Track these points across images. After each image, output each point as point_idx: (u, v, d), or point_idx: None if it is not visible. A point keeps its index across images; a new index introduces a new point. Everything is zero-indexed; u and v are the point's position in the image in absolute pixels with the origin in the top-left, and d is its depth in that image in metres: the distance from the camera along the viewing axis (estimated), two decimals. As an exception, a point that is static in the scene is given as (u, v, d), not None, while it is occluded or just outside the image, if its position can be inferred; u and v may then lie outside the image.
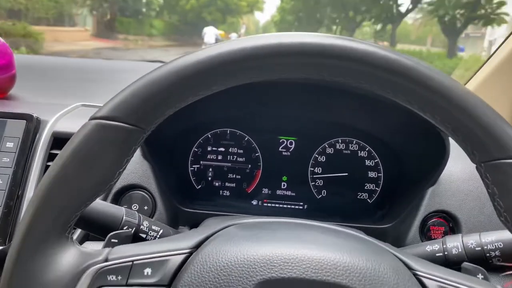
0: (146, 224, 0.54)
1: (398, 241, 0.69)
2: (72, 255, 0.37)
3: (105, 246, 0.47)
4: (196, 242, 0.40)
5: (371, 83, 0.37)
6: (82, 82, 1.09)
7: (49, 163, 0.67)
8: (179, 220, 0.72)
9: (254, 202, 0.82)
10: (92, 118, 0.37)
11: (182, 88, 0.36)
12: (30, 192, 0.65)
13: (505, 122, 0.35)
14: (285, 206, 0.82)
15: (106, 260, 0.37)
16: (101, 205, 0.53)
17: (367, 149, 0.82)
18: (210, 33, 14.36)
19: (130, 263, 0.37)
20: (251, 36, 0.38)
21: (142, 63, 1.33)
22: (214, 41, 13.83)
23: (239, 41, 0.37)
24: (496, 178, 0.35)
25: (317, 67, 0.37)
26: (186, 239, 0.41)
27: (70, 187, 0.35)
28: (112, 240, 0.48)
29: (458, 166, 0.72)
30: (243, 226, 0.45)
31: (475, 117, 0.35)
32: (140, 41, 24.70)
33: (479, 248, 0.53)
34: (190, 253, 0.39)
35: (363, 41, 0.37)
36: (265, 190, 0.82)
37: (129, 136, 0.36)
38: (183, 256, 0.38)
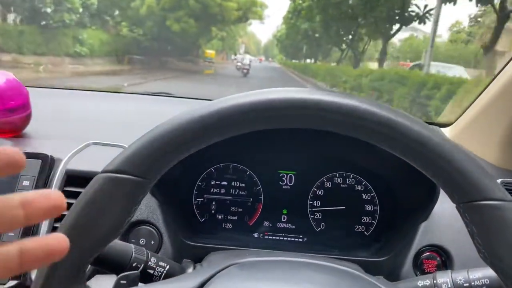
0: (154, 260, 0.58)
1: (393, 273, 0.72)
2: None
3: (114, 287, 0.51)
4: (200, 282, 0.44)
5: (357, 133, 0.41)
6: (90, 117, 1.14)
7: None
8: (183, 253, 0.75)
9: (256, 235, 0.85)
10: (103, 172, 0.41)
11: (185, 141, 0.41)
12: (44, 228, 0.69)
13: (480, 167, 0.39)
14: (285, 238, 0.85)
15: None
16: (111, 243, 0.57)
17: (363, 183, 0.86)
18: (246, 59, 19.57)
19: None
20: (249, 92, 0.43)
21: (148, 96, 1.38)
22: (248, 62, 19.35)
23: (237, 97, 0.42)
24: (473, 217, 0.39)
25: (306, 120, 0.42)
26: (190, 279, 0.44)
27: (84, 237, 0.39)
28: (121, 282, 0.51)
29: (449, 203, 0.75)
30: (243, 266, 0.49)
31: (452, 163, 0.39)
32: (50, 65, 13.21)
33: (467, 284, 0.56)
34: None
35: (347, 95, 0.42)
36: (266, 223, 0.86)
37: (137, 187, 0.40)
38: None
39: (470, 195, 0.38)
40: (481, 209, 0.38)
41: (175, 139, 0.40)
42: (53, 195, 0.29)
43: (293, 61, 35.67)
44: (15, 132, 0.90)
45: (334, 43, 22.88)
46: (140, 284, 0.45)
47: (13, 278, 0.65)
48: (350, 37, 19.92)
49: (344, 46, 21.60)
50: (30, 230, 0.68)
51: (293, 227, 0.86)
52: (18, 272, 0.27)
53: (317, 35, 23.94)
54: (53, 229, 0.70)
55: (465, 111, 1.05)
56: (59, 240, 0.28)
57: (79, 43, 15.66)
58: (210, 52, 28.94)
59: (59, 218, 0.70)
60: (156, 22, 20.93)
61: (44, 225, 0.69)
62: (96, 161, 0.74)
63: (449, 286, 0.56)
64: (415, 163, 0.41)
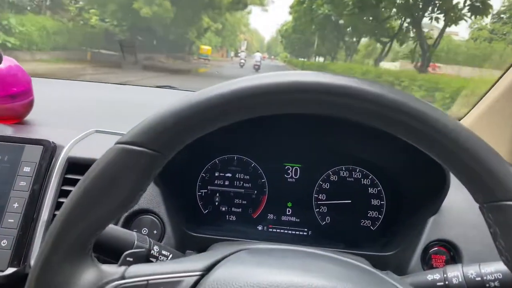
0: (157, 249, 0.57)
1: (400, 269, 0.71)
2: (91, 272, 0.39)
3: (120, 264, 0.49)
4: (208, 264, 0.42)
5: (381, 123, 0.39)
6: (94, 107, 1.13)
7: (64, 187, 0.70)
8: (186, 244, 0.74)
9: (260, 228, 0.84)
10: (117, 143, 0.39)
11: (203, 119, 0.39)
12: (45, 215, 0.67)
13: (508, 164, 0.37)
14: (289, 232, 0.84)
15: (123, 277, 0.40)
16: (113, 229, 0.56)
17: (370, 177, 0.84)
18: (257, 56, 22.47)
19: (145, 282, 0.39)
20: (274, 73, 0.41)
21: (151, 88, 1.37)
22: (259, 59, 21.85)
23: (260, 77, 0.41)
24: (498, 218, 0.37)
25: (328, 105, 0.40)
26: (199, 261, 0.43)
27: (93, 208, 0.38)
28: (128, 259, 0.50)
29: (460, 196, 0.74)
30: (253, 251, 0.47)
31: (479, 159, 0.37)
32: None
33: (479, 278, 0.54)
34: (202, 276, 0.41)
35: (373, 81, 0.40)
36: (271, 216, 0.84)
37: (151, 161, 0.39)
38: (195, 278, 0.40)
39: (496, 194, 0.36)
40: (507, 210, 0.36)
41: (194, 115, 0.38)
42: None
43: (300, 59, 30.97)
44: (17, 119, 0.89)
45: (371, 33, 15.64)
46: (145, 263, 0.44)
47: (11, 266, 0.64)
48: (403, 21, 13.34)
49: (386, 38, 14.70)
50: (30, 217, 0.66)
51: (298, 220, 0.84)
52: None
53: (341, 21, 16.51)
54: (54, 216, 0.68)
55: (474, 107, 1.04)
56: None
57: (3, 31, 10.99)
58: (205, 49, 25.32)
59: (61, 206, 0.68)
60: (121, 5, 15.54)
61: (45, 213, 0.68)
62: (98, 149, 0.73)
63: (460, 280, 0.55)
64: (438, 157, 0.39)
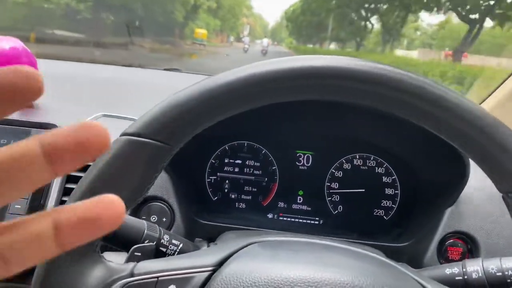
0: (167, 238, 0.55)
1: (415, 260, 0.69)
2: (99, 270, 0.38)
3: (128, 260, 0.48)
4: (220, 259, 0.41)
5: (402, 111, 0.37)
6: (101, 89, 1.10)
7: (71, 173, 0.68)
8: (196, 232, 0.73)
9: (270, 216, 0.82)
10: (123, 134, 0.37)
11: (212, 108, 0.37)
12: (52, 201, 0.66)
13: None
14: (300, 220, 0.82)
15: (132, 275, 0.38)
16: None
17: (384, 166, 0.82)
18: (265, 42, 24.47)
19: (155, 279, 0.38)
20: (280, 58, 0.39)
21: (159, 71, 1.35)
22: (266, 44, 23.71)
23: (269, 63, 0.38)
24: None
25: (349, 91, 0.37)
26: (209, 256, 0.41)
27: None
28: (136, 253, 0.48)
29: (478, 187, 0.71)
30: (266, 244, 0.46)
31: (504, 146, 0.35)
32: None
33: (500, 273, 0.52)
34: (214, 271, 0.39)
35: (394, 67, 0.37)
36: (281, 204, 0.83)
37: (158, 153, 0.37)
38: (207, 274, 0.39)
39: None
40: None
41: (202, 104, 0.37)
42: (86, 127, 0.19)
43: (309, 45, 28.38)
44: (22, 102, 0.86)
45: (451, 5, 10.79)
46: (154, 259, 0.42)
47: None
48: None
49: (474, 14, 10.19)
50: (37, 203, 0.65)
51: (309, 209, 0.82)
52: (55, 253, 0.20)
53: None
54: (61, 202, 0.67)
55: (488, 97, 1.01)
56: (110, 205, 0.20)
57: None
58: (200, 32, 21.94)
59: (68, 192, 0.67)
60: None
61: (52, 199, 0.66)
62: None
63: (480, 275, 0.53)
64: (461, 145, 0.37)
